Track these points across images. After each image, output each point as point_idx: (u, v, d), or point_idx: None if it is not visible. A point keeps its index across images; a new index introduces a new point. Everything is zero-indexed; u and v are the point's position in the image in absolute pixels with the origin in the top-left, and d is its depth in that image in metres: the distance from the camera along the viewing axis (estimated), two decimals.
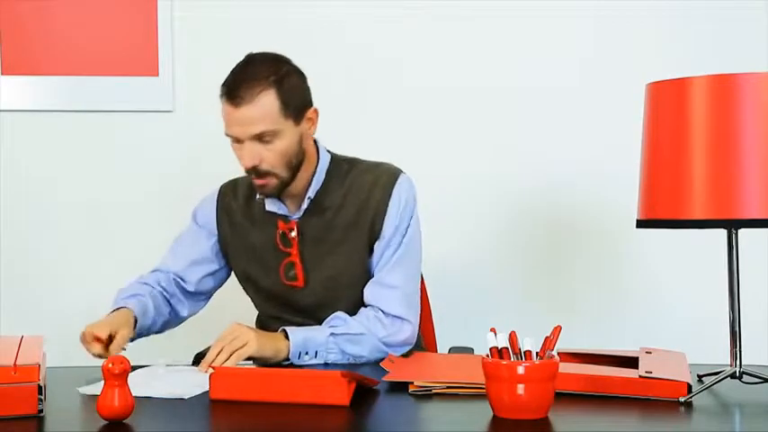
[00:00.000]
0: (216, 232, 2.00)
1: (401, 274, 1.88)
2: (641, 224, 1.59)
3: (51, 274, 2.59)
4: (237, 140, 1.80)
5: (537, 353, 1.36)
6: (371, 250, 1.89)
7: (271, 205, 1.91)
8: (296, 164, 1.84)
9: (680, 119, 1.50)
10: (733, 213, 1.45)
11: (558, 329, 1.40)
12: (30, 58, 2.56)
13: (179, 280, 2.00)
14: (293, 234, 1.89)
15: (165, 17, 2.58)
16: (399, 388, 1.52)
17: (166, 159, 2.62)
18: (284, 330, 1.76)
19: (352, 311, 1.86)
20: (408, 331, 1.87)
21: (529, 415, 1.32)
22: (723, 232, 1.54)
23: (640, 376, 1.46)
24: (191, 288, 2.01)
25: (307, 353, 1.75)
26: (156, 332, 1.99)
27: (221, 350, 1.67)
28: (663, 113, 1.53)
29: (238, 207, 1.97)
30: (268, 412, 1.39)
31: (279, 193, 1.86)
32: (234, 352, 1.67)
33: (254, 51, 1.85)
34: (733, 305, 1.53)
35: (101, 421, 1.31)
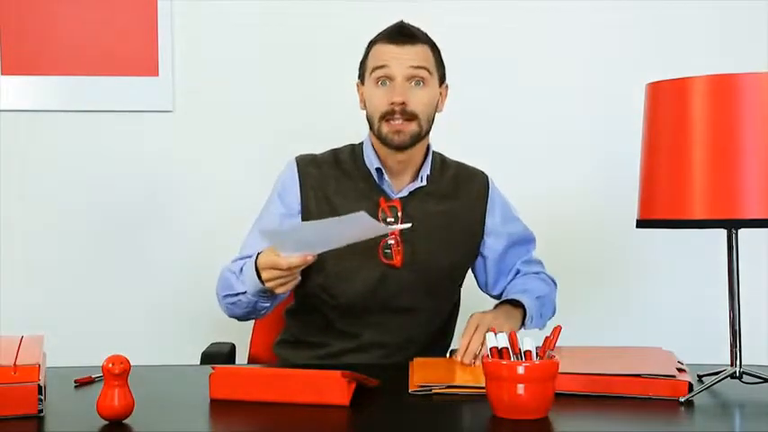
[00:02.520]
0: (299, 209, 1.91)
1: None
2: (641, 224, 1.59)
3: (51, 273, 2.59)
4: (389, 78, 1.83)
5: (537, 353, 1.36)
6: (470, 245, 1.98)
7: (380, 180, 1.90)
8: (429, 124, 1.89)
9: (680, 119, 1.50)
10: (733, 213, 1.45)
11: (558, 329, 1.40)
12: (30, 58, 2.56)
13: None
14: (398, 212, 1.89)
15: (165, 17, 2.58)
16: (399, 388, 1.52)
17: (166, 159, 2.61)
18: (507, 302, 1.85)
19: (437, 301, 1.94)
20: None
21: (529, 415, 1.32)
22: (723, 232, 1.54)
23: (642, 375, 1.46)
24: None
25: (532, 319, 1.86)
26: (262, 313, 1.87)
27: (472, 339, 1.69)
28: (663, 113, 1.53)
29: (327, 180, 1.92)
30: (268, 412, 1.39)
31: (410, 145, 1.86)
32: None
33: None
34: (733, 305, 1.53)
35: (101, 421, 1.31)
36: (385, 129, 1.84)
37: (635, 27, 2.66)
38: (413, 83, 1.83)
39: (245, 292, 1.76)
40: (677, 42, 2.65)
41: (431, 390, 1.49)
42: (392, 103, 1.81)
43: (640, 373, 1.47)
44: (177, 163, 2.62)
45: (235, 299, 1.81)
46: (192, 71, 2.61)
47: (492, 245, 2.00)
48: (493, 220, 2.00)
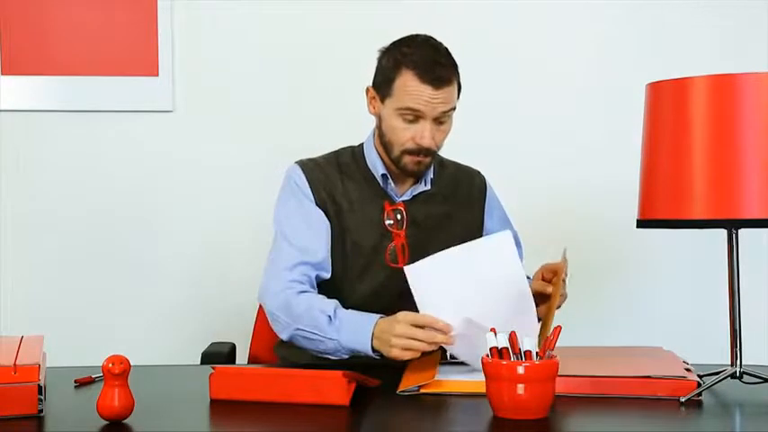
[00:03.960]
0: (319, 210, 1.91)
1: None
2: (641, 224, 1.59)
3: (51, 273, 2.60)
4: (418, 118, 1.81)
5: (537, 353, 1.36)
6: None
7: (384, 184, 1.91)
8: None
9: (680, 119, 1.50)
10: (733, 213, 1.45)
11: (558, 329, 1.40)
12: (30, 58, 2.56)
13: (321, 271, 1.87)
14: (401, 216, 1.90)
15: (165, 17, 2.58)
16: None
17: (166, 159, 2.62)
18: None
19: None
20: None
21: (529, 415, 1.32)
22: (723, 232, 1.54)
23: (652, 376, 1.46)
24: (329, 276, 1.89)
25: None
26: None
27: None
28: (663, 113, 1.53)
29: (332, 182, 1.92)
30: (268, 412, 1.39)
31: (425, 173, 1.91)
32: None
33: (420, 34, 1.85)
34: (733, 305, 1.53)
35: (101, 421, 1.31)
36: (405, 160, 1.85)
37: (635, 27, 2.66)
38: (438, 122, 1.83)
39: (336, 340, 1.73)
40: (677, 42, 2.65)
41: (417, 389, 1.49)
42: (419, 145, 1.82)
43: (650, 374, 1.47)
44: (177, 163, 2.62)
45: (315, 337, 1.75)
46: (192, 71, 2.61)
47: None
48: (491, 221, 2.00)
